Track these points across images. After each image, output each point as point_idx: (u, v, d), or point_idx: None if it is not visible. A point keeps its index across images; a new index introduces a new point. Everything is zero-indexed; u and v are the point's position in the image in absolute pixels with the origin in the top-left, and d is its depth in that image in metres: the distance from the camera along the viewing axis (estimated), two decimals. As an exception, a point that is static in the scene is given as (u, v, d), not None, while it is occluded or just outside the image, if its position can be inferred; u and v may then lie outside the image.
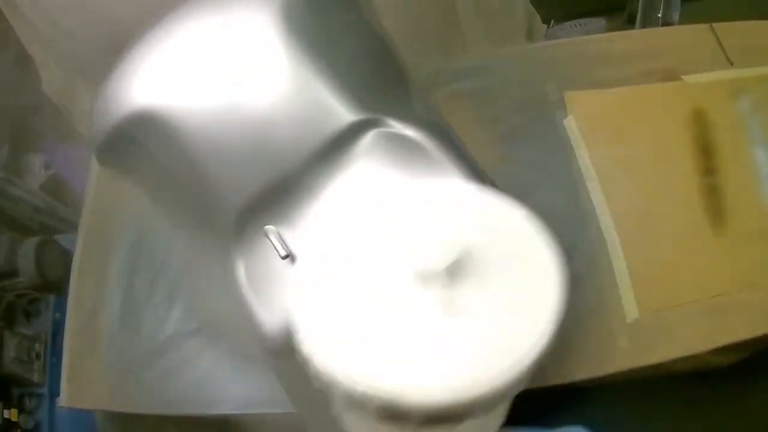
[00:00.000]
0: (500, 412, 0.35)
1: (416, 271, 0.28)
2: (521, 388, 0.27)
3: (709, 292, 0.61)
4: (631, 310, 0.60)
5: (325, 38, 0.44)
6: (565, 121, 0.69)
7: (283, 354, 0.41)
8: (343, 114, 0.41)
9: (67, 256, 0.86)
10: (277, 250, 0.40)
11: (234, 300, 0.43)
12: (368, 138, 0.42)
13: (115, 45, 0.87)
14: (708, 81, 0.73)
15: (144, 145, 0.44)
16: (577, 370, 0.58)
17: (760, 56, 0.74)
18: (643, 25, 0.95)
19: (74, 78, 0.93)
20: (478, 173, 0.44)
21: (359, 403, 0.26)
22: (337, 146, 0.41)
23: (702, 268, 0.63)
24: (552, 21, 1.12)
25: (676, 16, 0.94)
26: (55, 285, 0.85)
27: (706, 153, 0.68)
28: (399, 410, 0.25)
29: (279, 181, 0.41)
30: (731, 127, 0.70)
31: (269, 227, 0.41)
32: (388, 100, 0.45)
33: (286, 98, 0.41)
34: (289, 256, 0.40)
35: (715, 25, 0.78)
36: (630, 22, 1.03)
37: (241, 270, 0.42)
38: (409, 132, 0.42)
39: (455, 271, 0.28)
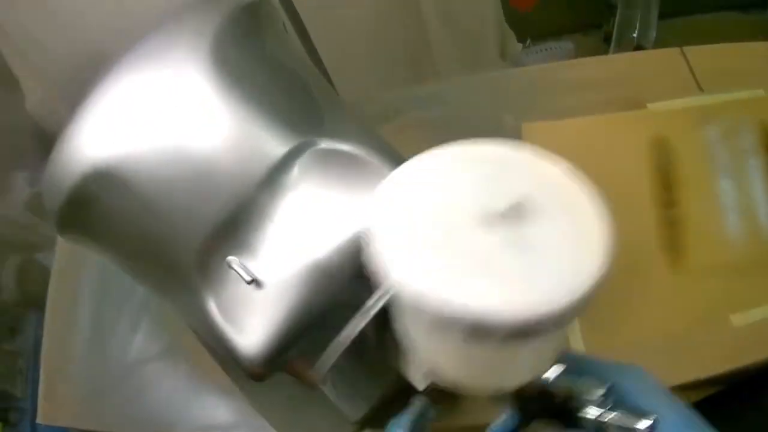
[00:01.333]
0: (563, 335, 0.41)
1: (483, 213, 0.33)
2: (582, 312, 0.31)
3: (663, 331, 0.62)
4: (577, 348, 0.61)
5: (249, 77, 0.48)
6: (521, 154, 0.70)
7: (264, 375, 0.46)
8: (278, 142, 0.46)
9: (48, 275, 0.89)
10: (243, 277, 0.44)
11: (203, 330, 0.48)
12: (305, 158, 0.46)
13: (92, 60, 0.90)
14: (674, 109, 0.73)
15: (101, 200, 0.47)
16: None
17: (731, 80, 0.74)
18: (619, 44, 0.96)
19: (54, 94, 0.97)
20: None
21: (449, 324, 0.30)
22: (278, 172, 0.46)
23: (656, 306, 0.63)
24: (528, 40, 1.13)
25: (652, 35, 0.95)
26: (38, 302, 0.88)
27: (666, 184, 0.69)
28: (485, 327, 0.30)
29: (231, 214, 0.45)
30: (695, 155, 0.70)
31: (231, 258, 0.45)
32: (317, 123, 0.49)
33: (224, 137, 0.45)
34: (254, 281, 0.44)
35: (686, 48, 0.78)
36: (606, 41, 1.03)
37: (210, 304, 0.46)
38: (344, 146, 0.47)
39: (516, 214, 0.33)
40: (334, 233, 0.45)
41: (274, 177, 0.46)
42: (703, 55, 0.78)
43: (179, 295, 0.50)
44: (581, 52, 1.06)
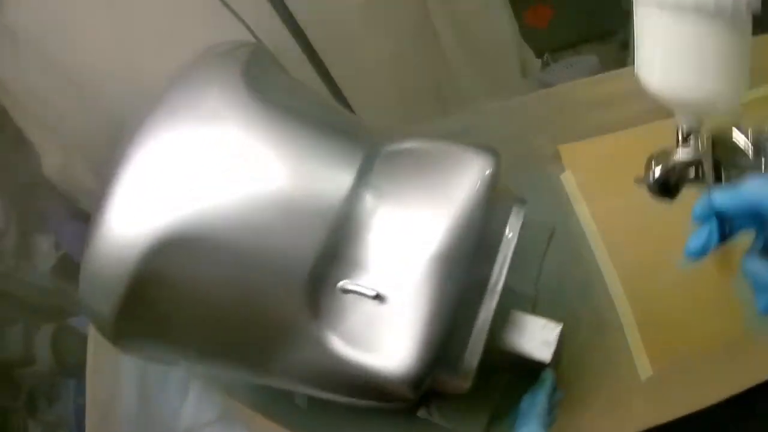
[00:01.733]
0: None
1: None
2: None
3: (722, 339, 0.61)
4: (644, 368, 0.60)
5: (289, 107, 0.47)
6: (563, 176, 0.69)
7: (415, 395, 0.42)
8: (348, 156, 0.44)
9: (83, 340, 0.88)
10: (366, 294, 0.41)
11: (326, 376, 0.44)
12: (378, 164, 0.45)
13: (111, 126, 0.90)
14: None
15: (171, 278, 0.42)
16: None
17: (757, 77, 0.74)
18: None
19: (73, 158, 0.96)
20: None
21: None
22: (358, 183, 0.44)
23: (712, 314, 0.62)
24: (546, 54, 1.12)
25: None
26: (75, 370, 0.87)
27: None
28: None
29: (328, 238, 0.42)
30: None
31: (343, 282, 0.42)
32: (368, 134, 0.48)
33: (294, 167, 0.43)
34: (378, 296, 0.41)
35: None
36: (624, 48, 1.02)
37: (333, 340, 0.42)
38: (406, 144, 0.46)
39: None
40: (436, 219, 0.43)
41: (356, 189, 0.44)
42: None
43: (282, 354, 0.45)
44: (601, 62, 1.05)
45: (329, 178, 0.43)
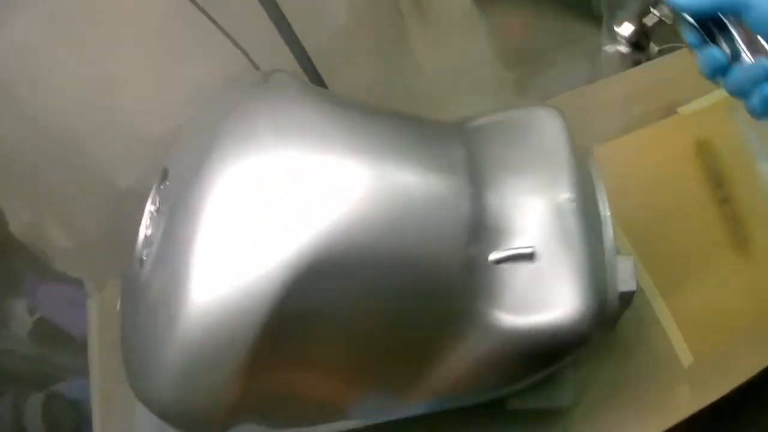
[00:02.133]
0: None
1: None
2: None
3: (753, 317, 0.64)
4: (685, 356, 0.62)
5: (370, 112, 0.46)
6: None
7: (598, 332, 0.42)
8: (446, 135, 0.46)
9: (75, 408, 0.82)
10: (523, 254, 0.41)
11: (496, 356, 0.42)
12: (471, 136, 0.46)
13: (86, 175, 0.86)
14: (702, 107, 0.76)
15: (312, 309, 0.37)
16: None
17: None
18: (609, 52, 0.97)
19: (44, 215, 0.91)
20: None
21: None
22: (470, 158, 0.44)
23: (741, 296, 0.65)
24: (517, 65, 1.14)
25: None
26: (69, 439, 0.81)
27: (717, 182, 0.71)
28: None
29: (469, 215, 0.41)
30: (733, 147, 0.73)
31: (494, 253, 0.41)
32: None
33: (409, 171, 0.41)
34: (531, 252, 0.41)
35: None
36: (597, 53, 1.05)
37: (500, 316, 0.40)
38: (480, 120, 0.48)
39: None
40: (554, 169, 0.44)
41: (470, 166, 0.44)
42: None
43: (447, 358, 0.42)
44: (576, 68, 1.07)
45: (446, 164, 0.43)
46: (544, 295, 0.41)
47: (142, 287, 0.40)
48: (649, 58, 0.85)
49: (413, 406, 0.46)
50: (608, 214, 0.47)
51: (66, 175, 0.86)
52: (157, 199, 0.44)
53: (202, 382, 0.37)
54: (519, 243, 0.41)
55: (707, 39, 0.39)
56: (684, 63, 0.78)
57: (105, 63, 0.78)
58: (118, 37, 0.78)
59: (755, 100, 0.38)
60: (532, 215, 0.43)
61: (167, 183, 0.44)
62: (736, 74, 0.38)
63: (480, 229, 0.41)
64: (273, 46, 0.70)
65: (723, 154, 0.73)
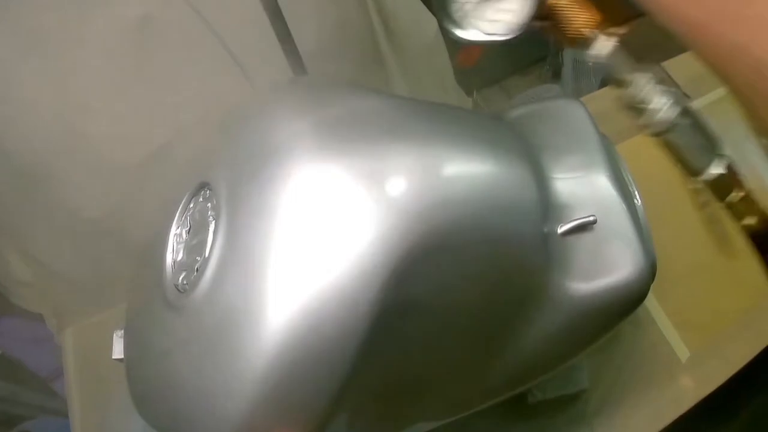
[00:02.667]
0: None
1: None
2: None
3: (742, 308, 0.69)
4: (682, 350, 0.66)
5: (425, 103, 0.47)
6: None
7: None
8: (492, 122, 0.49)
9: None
10: (587, 222, 0.44)
11: (574, 323, 0.45)
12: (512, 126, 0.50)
13: (51, 206, 0.81)
14: None
15: (425, 281, 0.35)
16: (650, 424, 0.62)
17: (706, 84, 0.80)
18: (576, 77, 1.02)
19: (5, 246, 0.86)
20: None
21: None
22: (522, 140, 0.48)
23: (728, 290, 0.70)
24: (474, 92, 1.18)
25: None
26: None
27: (697, 188, 0.76)
28: None
29: (538, 193, 0.44)
30: None
31: (561, 225, 0.44)
32: None
33: (481, 154, 0.43)
34: (593, 219, 0.44)
35: (664, 64, 0.87)
36: (555, 76, 1.10)
37: (573, 285, 0.44)
38: (515, 113, 0.53)
39: None
40: (588, 146, 0.49)
41: (523, 143, 0.47)
42: (678, 65, 0.87)
43: (525, 330, 0.44)
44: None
45: (514, 150, 0.45)
46: (606, 261, 0.45)
47: (190, 317, 0.36)
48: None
49: (490, 393, 0.48)
50: (635, 189, 0.53)
51: (30, 205, 0.81)
52: (188, 219, 0.42)
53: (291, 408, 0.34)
54: (579, 215, 0.45)
55: None
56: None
57: (72, 87, 0.73)
58: (86, 61, 0.74)
59: None
60: (581, 191, 0.47)
61: (208, 196, 0.41)
62: None
63: (548, 207, 0.45)
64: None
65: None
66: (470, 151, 0.41)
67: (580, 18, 0.40)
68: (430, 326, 0.38)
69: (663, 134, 0.41)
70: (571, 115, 0.52)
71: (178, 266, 0.41)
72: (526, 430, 0.61)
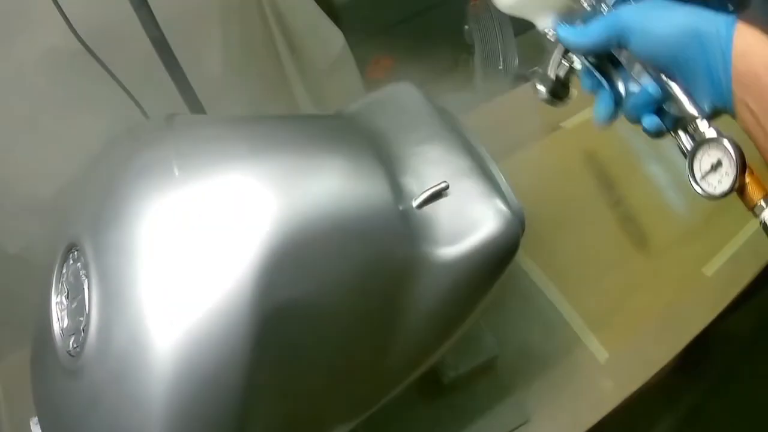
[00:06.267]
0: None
1: None
2: None
3: (659, 310, 0.70)
4: (599, 351, 0.67)
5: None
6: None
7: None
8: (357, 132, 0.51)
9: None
10: (439, 190, 0.46)
11: (451, 282, 0.46)
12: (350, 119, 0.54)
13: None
14: (584, 119, 0.84)
15: (295, 281, 0.39)
16: (575, 427, 0.64)
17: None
18: (486, 78, 1.04)
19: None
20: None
21: None
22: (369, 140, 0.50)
23: (641, 290, 0.72)
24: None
25: (515, 63, 1.05)
26: None
27: (608, 185, 0.79)
28: None
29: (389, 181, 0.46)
30: (618, 153, 0.81)
31: (415, 197, 0.46)
32: None
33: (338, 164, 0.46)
34: (445, 185, 0.46)
35: None
36: (469, 81, 1.12)
37: (445, 250, 0.45)
38: (354, 107, 0.56)
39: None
40: (422, 119, 0.53)
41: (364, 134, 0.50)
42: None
43: (408, 307, 0.46)
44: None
45: (355, 142, 0.48)
46: (469, 221, 0.47)
47: (87, 377, 0.38)
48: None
49: (397, 378, 0.50)
50: (485, 151, 0.54)
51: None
52: (64, 285, 0.43)
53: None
54: (423, 183, 0.47)
55: (603, 82, 0.44)
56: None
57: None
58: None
59: (645, 123, 0.43)
60: (430, 161, 0.49)
61: (77, 257, 0.42)
62: (628, 104, 0.43)
63: (399, 186, 0.47)
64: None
65: (609, 160, 0.80)
66: (314, 155, 0.46)
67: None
68: (315, 327, 0.41)
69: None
70: (406, 96, 0.56)
71: (66, 332, 0.42)
72: (445, 407, 0.63)
